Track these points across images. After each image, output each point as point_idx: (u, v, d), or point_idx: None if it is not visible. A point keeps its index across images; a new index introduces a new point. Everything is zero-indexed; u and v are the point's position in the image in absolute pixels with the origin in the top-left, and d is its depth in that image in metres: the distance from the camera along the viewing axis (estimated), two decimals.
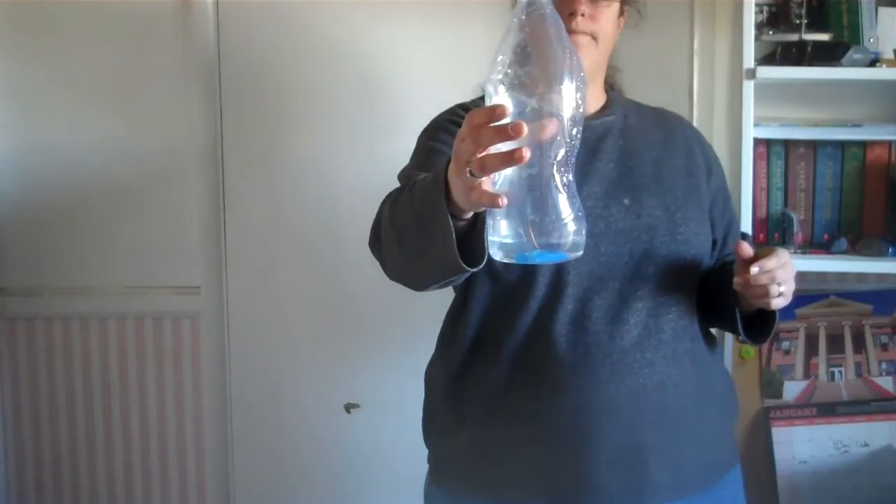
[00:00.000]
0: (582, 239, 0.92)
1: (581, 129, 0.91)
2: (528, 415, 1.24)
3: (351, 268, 2.02)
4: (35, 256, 2.10)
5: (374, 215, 1.21)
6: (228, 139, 2.05)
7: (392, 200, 1.15)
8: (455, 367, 1.31)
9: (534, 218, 0.89)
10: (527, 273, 1.24)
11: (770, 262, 1.17)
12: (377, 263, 1.22)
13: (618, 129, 1.35)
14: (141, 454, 2.13)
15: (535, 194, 0.89)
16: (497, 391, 1.26)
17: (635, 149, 1.34)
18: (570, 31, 1.26)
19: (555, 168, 0.89)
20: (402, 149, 1.37)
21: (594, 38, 1.29)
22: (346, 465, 2.08)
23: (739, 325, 1.31)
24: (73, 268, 2.09)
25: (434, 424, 1.38)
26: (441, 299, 1.33)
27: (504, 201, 0.85)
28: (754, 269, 1.17)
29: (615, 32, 1.35)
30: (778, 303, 1.21)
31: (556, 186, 0.90)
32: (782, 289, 1.19)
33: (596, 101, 1.38)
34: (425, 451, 1.41)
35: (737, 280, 1.20)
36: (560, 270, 1.23)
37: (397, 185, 1.23)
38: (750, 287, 1.19)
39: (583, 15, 1.26)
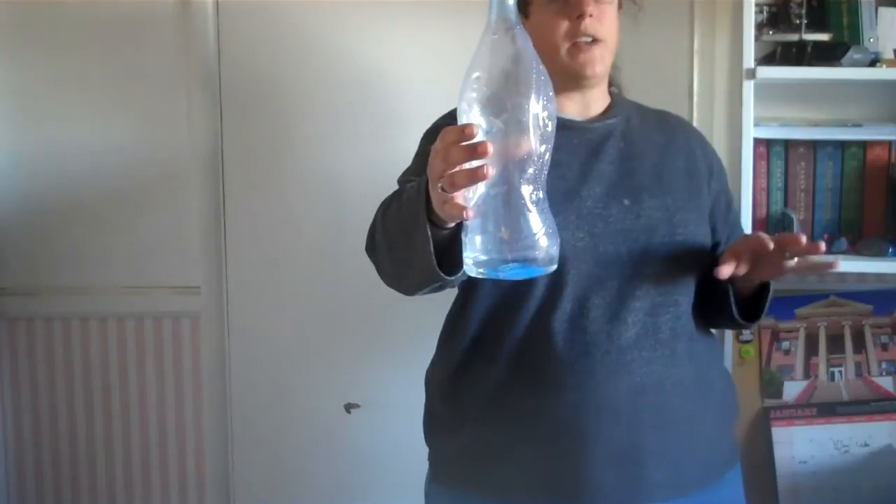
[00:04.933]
0: (555, 253, 0.95)
1: (551, 146, 0.92)
2: (526, 413, 1.25)
3: (351, 267, 2.00)
4: (35, 256, 2.10)
5: (372, 216, 1.22)
6: (228, 139, 2.05)
7: (384, 207, 1.18)
8: (454, 366, 1.31)
9: (503, 233, 0.91)
10: None
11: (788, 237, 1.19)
12: None
13: (619, 131, 1.35)
14: (141, 454, 2.13)
15: (505, 210, 0.91)
16: (496, 390, 1.27)
17: (636, 151, 1.34)
18: (579, 34, 1.27)
19: (524, 185, 0.91)
20: (403, 150, 1.38)
21: (603, 42, 1.29)
22: (346, 464, 2.08)
23: (732, 304, 1.31)
24: (73, 268, 2.09)
25: (434, 424, 1.38)
26: (441, 299, 1.32)
27: (470, 214, 0.89)
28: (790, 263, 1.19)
29: (618, 29, 1.35)
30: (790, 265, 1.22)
31: (525, 203, 0.92)
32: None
33: (600, 103, 1.38)
34: (425, 451, 1.41)
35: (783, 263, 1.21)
36: (559, 270, 1.22)
37: (397, 187, 1.24)
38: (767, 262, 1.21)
39: (591, 16, 1.27)
